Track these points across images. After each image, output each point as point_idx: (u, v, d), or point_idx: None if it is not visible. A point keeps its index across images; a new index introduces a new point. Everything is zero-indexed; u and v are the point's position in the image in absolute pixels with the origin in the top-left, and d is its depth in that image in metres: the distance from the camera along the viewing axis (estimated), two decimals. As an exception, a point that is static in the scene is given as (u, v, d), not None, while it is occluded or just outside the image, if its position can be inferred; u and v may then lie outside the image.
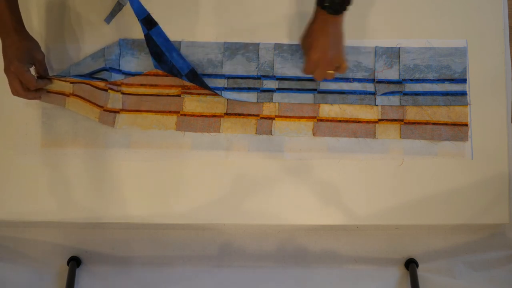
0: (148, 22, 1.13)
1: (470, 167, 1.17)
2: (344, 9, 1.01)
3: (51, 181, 1.17)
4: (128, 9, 1.20)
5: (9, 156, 1.17)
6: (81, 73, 1.17)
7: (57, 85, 1.16)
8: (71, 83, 1.16)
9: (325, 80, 1.16)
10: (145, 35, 1.14)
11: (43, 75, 1.11)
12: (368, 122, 1.17)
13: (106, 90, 1.17)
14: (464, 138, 1.17)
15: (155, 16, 1.15)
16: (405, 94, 1.17)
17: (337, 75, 1.14)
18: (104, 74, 1.16)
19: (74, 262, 1.19)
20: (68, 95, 1.15)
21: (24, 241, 1.21)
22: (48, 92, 1.16)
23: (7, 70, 1.04)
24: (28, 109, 1.18)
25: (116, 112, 1.17)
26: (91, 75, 1.16)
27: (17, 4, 1.06)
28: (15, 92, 1.06)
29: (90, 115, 1.16)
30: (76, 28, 1.20)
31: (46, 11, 1.20)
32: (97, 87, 1.16)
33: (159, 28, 1.14)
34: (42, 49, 1.11)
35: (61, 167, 1.17)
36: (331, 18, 1.02)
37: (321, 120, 1.18)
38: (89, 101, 1.16)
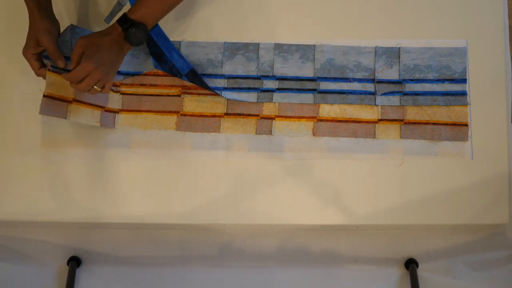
0: None
1: (470, 167, 1.17)
2: (141, 43, 1.02)
3: (51, 181, 1.17)
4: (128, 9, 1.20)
5: (9, 156, 1.17)
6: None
7: (58, 87, 1.10)
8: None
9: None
10: None
11: (54, 62, 1.07)
12: (368, 122, 1.17)
13: None
14: (464, 138, 1.17)
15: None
16: (405, 94, 1.17)
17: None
18: None
19: (74, 262, 1.19)
20: (70, 101, 1.12)
21: (24, 241, 1.21)
22: (49, 98, 1.09)
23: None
24: (28, 109, 1.18)
25: (115, 112, 1.17)
26: None
27: None
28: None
29: (91, 121, 1.15)
30: (78, 24, 1.20)
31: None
32: None
33: (159, 28, 1.14)
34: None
35: (61, 167, 1.17)
36: (124, 44, 1.02)
37: (321, 120, 1.18)
38: (89, 104, 1.16)
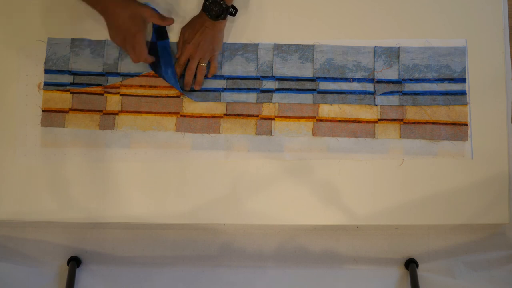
0: (161, 33, 1.17)
1: (470, 167, 1.17)
2: (222, 18, 1.10)
3: (51, 181, 1.17)
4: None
5: (9, 156, 1.17)
6: (79, 69, 1.18)
7: (54, 102, 1.18)
8: (71, 92, 1.17)
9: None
10: (151, 42, 1.15)
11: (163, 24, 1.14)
12: (367, 122, 1.17)
13: (102, 94, 1.17)
14: (463, 137, 1.17)
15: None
16: (405, 93, 1.17)
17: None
18: (99, 79, 1.18)
19: (74, 262, 1.19)
20: (67, 111, 1.16)
21: (24, 241, 1.22)
22: (48, 112, 1.18)
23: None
24: (28, 109, 1.18)
25: (115, 114, 1.18)
26: (87, 83, 1.18)
27: None
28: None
29: (90, 126, 1.17)
30: (78, 27, 1.20)
31: (49, 10, 1.20)
32: (94, 93, 1.17)
33: (168, 42, 1.16)
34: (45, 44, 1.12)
35: (61, 167, 1.17)
36: (213, 22, 1.11)
37: (320, 120, 1.18)
38: (88, 110, 1.17)
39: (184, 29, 1.16)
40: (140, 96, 1.18)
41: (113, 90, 1.18)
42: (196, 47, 1.13)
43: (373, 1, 1.21)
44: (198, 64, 1.15)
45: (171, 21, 1.13)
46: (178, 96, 1.18)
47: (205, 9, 1.10)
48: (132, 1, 1.09)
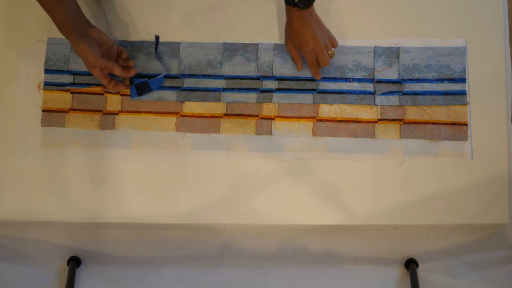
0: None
1: (470, 167, 1.17)
2: (312, 2, 1.08)
3: (51, 181, 1.17)
4: (128, 10, 1.20)
5: (9, 156, 1.17)
6: (79, 69, 1.18)
7: (54, 102, 1.18)
8: (71, 92, 1.17)
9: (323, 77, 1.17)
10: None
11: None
12: (367, 122, 1.17)
13: (102, 94, 1.17)
14: (463, 137, 1.17)
15: (154, 16, 1.16)
16: (405, 93, 1.17)
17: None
18: None
19: (74, 262, 1.19)
20: (67, 111, 1.16)
21: (24, 241, 1.22)
22: (48, 112, 1.18)
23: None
24: (28, 109, 1.18)
25: (115, 114, 1.18)
26: (87, 83, 1.18)
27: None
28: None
29: (90, 126, 1.17)
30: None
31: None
32: (94, 93, 1.17)
33: (161, 80, 1.18)
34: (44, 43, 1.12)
35: (61, 167, 1.17)
36: (305, 12, 1.08)
37: (320, 120, 1.18)
38: (88, 110, 1.17)
39: (291, 43, 1.14)
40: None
41: (113, 90, 1.18)
42: (316, 42, 1.11)
43: (373, 1, 1.21)
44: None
45: (118, 71, 1.10)
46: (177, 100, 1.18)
47: (296, 3, 1.07)
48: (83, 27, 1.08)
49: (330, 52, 1.13)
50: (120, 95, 1.18)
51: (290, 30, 1.12)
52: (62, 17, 1.05)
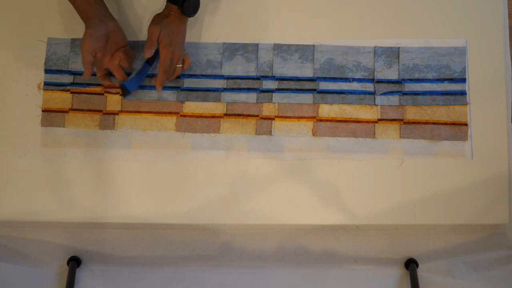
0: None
1: (470, 167, 1.17)
2: (195, 13, 1.12)
3: (51, 181, 1.17)
4: (128, 10, 1.20)
5: (9, 157, 1.17)
6: (79, 69, 1.18)
7: (54, 102, 1.18)
8: (71, 92, 1.17)
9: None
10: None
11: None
12: (367, 122, 1.17)
13: (102, 94, 1.17)
14: (463, 137, 1.17)
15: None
16: (405, 93, 1.17)
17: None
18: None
19: (74, 262, 1.19)
20: (67, 111, 1.16)
21: (24, 241, 1.22)
22: (48, 112, 1.18)
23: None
24: (28, 109, 1.18)
25: (115, 113, 1.18)
26: (87, 83, 1.18)
27: None
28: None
29: (90, 126, 1.17)
30: (78, 26, 1.20)
31: (49, 10, 1.20)
32: (94, 93, 1.17)
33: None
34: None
35: (61, 167, 1.17)
36: (184, 17, 1.11)
37: (320, 120, 1.18)
38: (88, 110, 1.17)
39: (156, 29, 1.09)
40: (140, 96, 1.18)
41: (113, 90, 1.18)
42: (178, 49, 1.12)
43: (373, 1, 1.21)
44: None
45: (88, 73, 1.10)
46: (176, 100, 1.18)
47: (183, 7, 1.09)
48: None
49: (178, 66, 1.14)
50: (120, 95, 1.18)
51: (166, 21, 1.10)
52: (82, 2, 1.06)
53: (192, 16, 1.12)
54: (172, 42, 1.10)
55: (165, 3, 1.11)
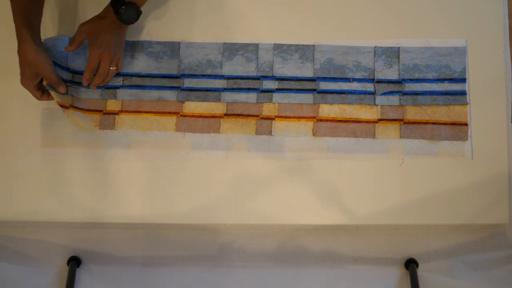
0: None
1: (470, 167, 1.17)
2: (134, 22, 1.09)
3: (51, 181, 1.17)
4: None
5: (10, 157, 1.17)
6: (78, 69, 1.16)
7: (56, 99, 1.16)
8: (72, 95, 1.17)
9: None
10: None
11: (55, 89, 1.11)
12: (367, 122, 1.17)
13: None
14: (464, 137, 1.17)
15: (154, 17, 1.15)
16: (405, 93, 1.17)
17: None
18: None
19: (74, 262, 1.19)
20: (67, 107, 1.16)
21: (24, 241, 1.22)
22: (48, 110, 1.18)
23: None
24: (28, 110, 1.18)
25: (115, 113, 1.18)
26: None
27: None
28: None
29: (90, 125, 1.16)
30: (78, 26, 1.20)
31: (48, 10, 1.20)
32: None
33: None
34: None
35: (61, 167, 1.17)
36: (119, 24, 1.09)
37: (320, 120, 1.18)
38: (88, 110, 1.17)
39: (87, 30, 1.10)
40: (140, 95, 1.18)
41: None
42: (109, 51, 1.10)
43: (373, 1, 1.21)
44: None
45: (63, 89, 1.11)
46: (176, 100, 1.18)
47: (118, 13, 1.06)
48: (41, 47, 1.08)
49: (112, 68, 1.12)
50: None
51: (99, 23, 1.09)
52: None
53: (128, 24, 1.09)
54: (102, 44, 1.09)
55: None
